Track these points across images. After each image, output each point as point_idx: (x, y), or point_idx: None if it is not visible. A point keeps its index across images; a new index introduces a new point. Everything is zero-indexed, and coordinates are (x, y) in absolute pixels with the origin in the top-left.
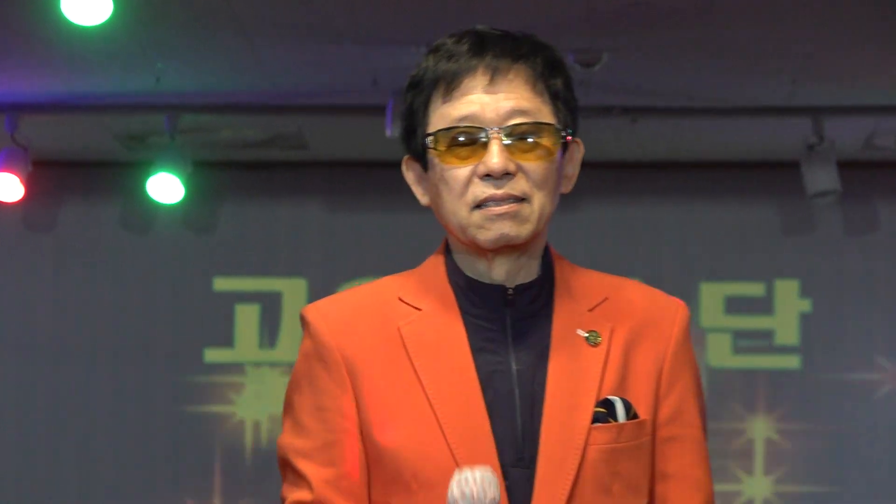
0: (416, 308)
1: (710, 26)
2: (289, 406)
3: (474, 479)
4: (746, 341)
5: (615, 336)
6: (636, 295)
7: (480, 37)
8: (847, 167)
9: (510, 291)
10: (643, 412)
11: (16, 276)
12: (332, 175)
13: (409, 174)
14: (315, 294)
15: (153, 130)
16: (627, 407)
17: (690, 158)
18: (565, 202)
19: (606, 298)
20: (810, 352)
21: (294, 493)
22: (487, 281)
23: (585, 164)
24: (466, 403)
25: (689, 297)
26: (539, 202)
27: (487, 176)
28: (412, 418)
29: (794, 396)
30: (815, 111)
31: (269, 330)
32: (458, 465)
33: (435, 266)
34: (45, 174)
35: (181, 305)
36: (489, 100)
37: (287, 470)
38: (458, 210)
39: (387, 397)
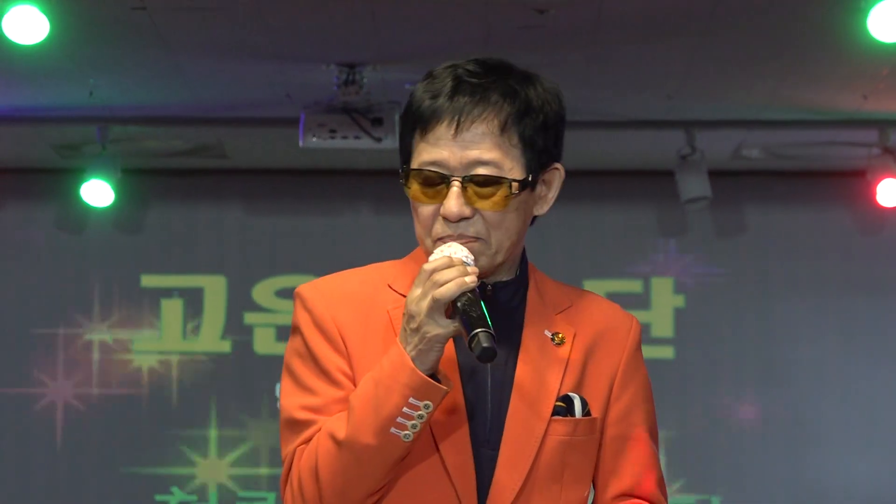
0: (404, 295)
1: (595, 46)
2: (290, 373)
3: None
4: None
5: (577, 339)
6: (597, 306)
7: (458, 79)
8: (717, 175)
9: (489, 288)
10: (595, 411)
11: None
12: (249, 181)
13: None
14: (233, 290)
15: (86, 140)
16: (584, 404)
17: (575, 167)
18: None
19: (571, 305)
20: (683, 343)
21: (302, 435)
22: None
23: None
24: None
25: None
26: (496, 240)
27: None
28: None
29: (669, 383)
30: (689, 124)
31: (192, 322)
32: (435, 440)
33: (419, 260)
34: None
35: (112, 300)
36: (456, 147)
37: (292, 426)
38: (424, 238)
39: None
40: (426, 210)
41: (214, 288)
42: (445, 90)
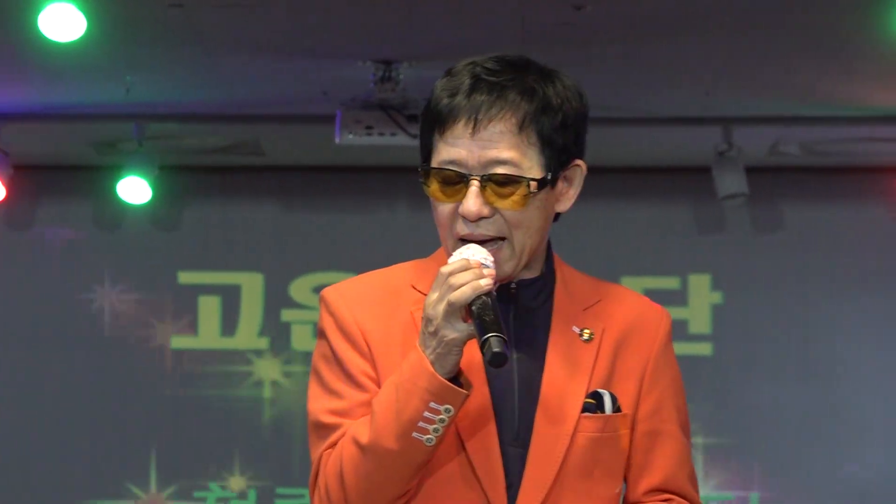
0: (426, 294)
1: (631, 43)
2: (317, 377)
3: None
4: None
5: (606, 335)
6: (626, 300)
7: (475, 77)
8: (754, 172)
9: (513, 286)
10: (626, 407)
11: None
12: (285, 178)
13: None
14: (271, 286)
15: (123, 137)
16: (614, 400)
17: (613, 163)
18: None
19: (600, 300)
20: (721, 340)
21: (328, 439)
22: None
23: None
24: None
25: None
26: (519, 240)
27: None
28: None
29: (706, 380)
30: (725, 120)
31: (230, 319)
32: (462, 440)
33: (444, 258)
34: (24, 177)
35: (149, 297)
36: (474, 146)
37: (319, 429)
38: (446, 237)
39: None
40: (446, 209)
41: (252, 285)
42: (463, 88)
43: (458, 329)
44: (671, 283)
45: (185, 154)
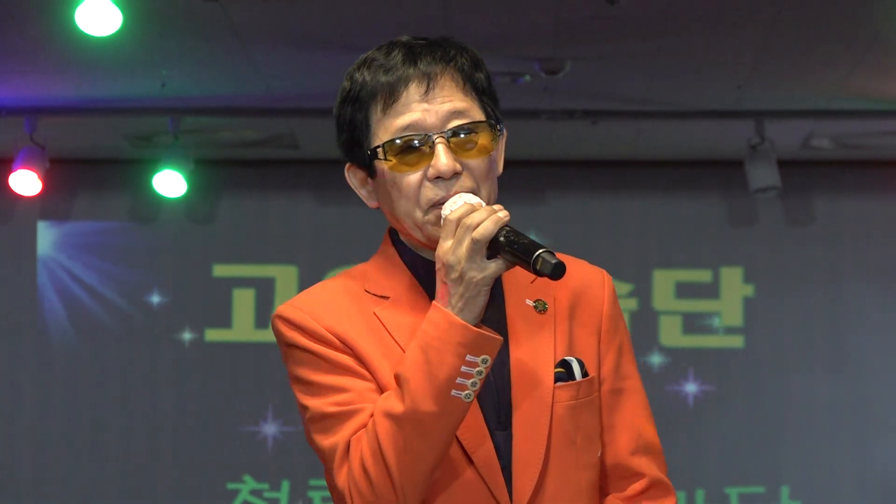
0: (384, 297)
1: (665, 37)
2: (304, 385)
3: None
4: (695, 323)
5: (558, 303)
6: (568, 266)
7: (409, 47)
8: (786, 165)
9: None
10: (591, 370)
11: (32, 264)
12: (321, 172)
13: (353, 180)
14: (305, 279)
15: (158, 131)
16: (581, 365)
17: (645, 157)
18: (532, 196)
19: None
20: (753, 332)
21: (343, 427)
22: None
23: (551, 162)
24: None
25: (644, 282)
26: (486, 193)
27: (438, 178)
28: None
29: (738, 372)
30: (758, 115)
31: (264, 312)
32: (456, 434)
33: (389, 258)
34: (60, 171)
35: (184, 290)
36: (428, 105)
37: (327, 420)
38: (412, 212)
39: (382, 369)
40: (411, 179)
41: (286, 278)
42: (399, 60)
43: (486, 267)
44: (703, 275)
45: (221, 147)
